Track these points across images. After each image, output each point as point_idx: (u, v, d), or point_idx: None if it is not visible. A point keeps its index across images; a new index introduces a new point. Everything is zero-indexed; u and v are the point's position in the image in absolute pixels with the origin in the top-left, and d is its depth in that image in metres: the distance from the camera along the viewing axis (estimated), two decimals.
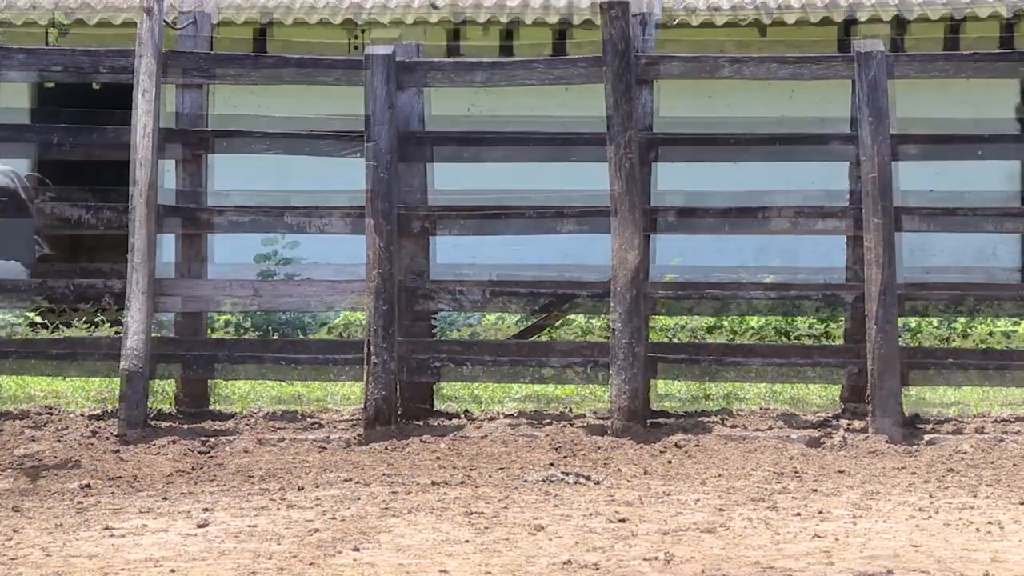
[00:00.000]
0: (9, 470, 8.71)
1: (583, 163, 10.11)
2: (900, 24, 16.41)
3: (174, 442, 9.35)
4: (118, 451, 9.23)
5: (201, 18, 10.35)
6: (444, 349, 10.10)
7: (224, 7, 16.67)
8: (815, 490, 8.17)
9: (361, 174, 9.85)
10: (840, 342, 11.28)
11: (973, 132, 11.18)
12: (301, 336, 14.22)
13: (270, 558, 6.55)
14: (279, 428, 9.81)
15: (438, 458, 9.00)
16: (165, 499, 7.95)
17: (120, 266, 10.01)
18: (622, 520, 7.32)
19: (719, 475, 8.59)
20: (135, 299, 9.76)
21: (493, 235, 10.28)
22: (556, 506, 7.72)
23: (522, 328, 11.89)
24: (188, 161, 10.20)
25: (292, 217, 10.13)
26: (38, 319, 14.10)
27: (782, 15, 16.52)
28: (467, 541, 6.90)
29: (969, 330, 14.05)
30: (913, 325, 13.75)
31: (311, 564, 6.44)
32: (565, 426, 9.71)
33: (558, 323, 12.60)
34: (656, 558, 6.50)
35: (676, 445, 9.29)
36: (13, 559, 6.56)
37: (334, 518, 7.39)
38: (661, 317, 13.18)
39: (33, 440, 9.47)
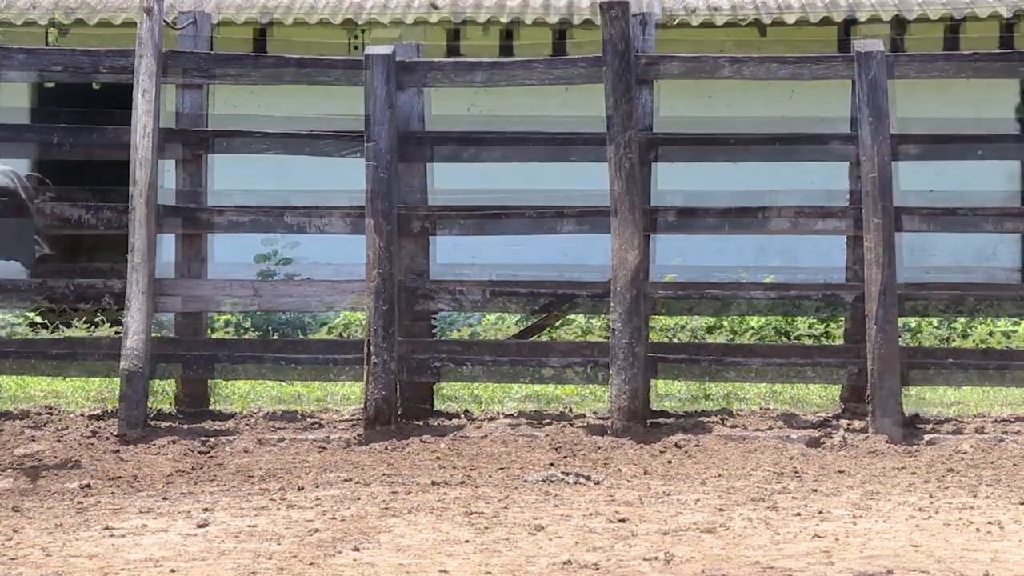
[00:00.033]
0: (9, 470, 8.70)
1: (583, 163, 10.11)
2: (900, 24, 16.40)
3: (174, 442, 9.35)
4: (118, 451, 9.22)
5: (201, 18, 10.36)
6: (444, 349, 10.10)
7: (224, 7, 16.67)
8: (815, 490, 8.17)
9: (361, 174, 9.84)
10: (840, 342, 11.29)
11: (973, 132, 11.20)
12: (301, 336, 14.23)
13: (270, 558, 6.55)
14: (279, 428, 9.81)
15: (438, 458, 9.00)
16: (165, 499, 7.94)
17: (120, 266, 10.01)
18: (622, 520, 7.32)
19: (719, 475, 8.59)
20: (135, 299, 9.76)
21: (493, 235, 10.27)
22: (556, 506, 7.71)
23: (522, 328, 11.90)
24: (188, 161, 10.20)
25: (292, 217, 10.13)
26: (38, 319, 14.11)
27: (782, 15, 16.51)
28: (467, 541, 6.90)
29: (969, 330, 14.05)
30: (913, 325, 13.76)
31: (311, 564, 6.44)
32: (565, 426, 9.71)
33: (558, 323, 12.62)
34: (656, 558, 6.50)
35: (676, 445, 9.29)
36: (13, 559, 6.56)
37: (334, 518, 7.39)
38: (661, 317, 13.19)
39: (33, 440, 9.47)
